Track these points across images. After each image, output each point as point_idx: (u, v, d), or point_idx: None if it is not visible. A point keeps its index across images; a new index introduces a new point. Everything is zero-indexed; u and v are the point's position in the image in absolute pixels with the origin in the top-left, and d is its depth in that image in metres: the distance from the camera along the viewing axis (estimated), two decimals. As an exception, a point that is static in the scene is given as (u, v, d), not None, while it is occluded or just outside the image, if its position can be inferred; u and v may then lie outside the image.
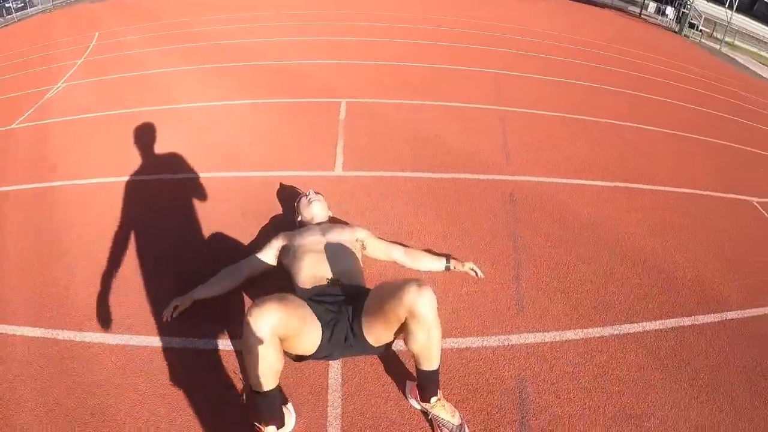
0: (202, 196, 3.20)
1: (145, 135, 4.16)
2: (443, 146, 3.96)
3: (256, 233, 2.87)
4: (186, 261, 2.66)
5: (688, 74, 8.85)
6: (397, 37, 8.13)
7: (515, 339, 2.28)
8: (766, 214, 3.72)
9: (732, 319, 2.60)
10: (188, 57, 6.89)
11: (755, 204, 3.84)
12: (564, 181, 3.63)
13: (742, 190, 4.02)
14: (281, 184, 3.35)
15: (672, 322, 2.54)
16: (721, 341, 2.44)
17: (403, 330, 1.71)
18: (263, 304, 1.50)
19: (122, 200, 3.23)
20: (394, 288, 1.62)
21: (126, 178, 3.49)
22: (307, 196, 2.59)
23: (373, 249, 2.43)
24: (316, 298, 1.89)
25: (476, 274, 2.48)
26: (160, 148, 3.97)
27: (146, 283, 2.50)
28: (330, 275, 2.02)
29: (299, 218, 2.58)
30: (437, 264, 2.47)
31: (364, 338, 1.78)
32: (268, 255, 2.34)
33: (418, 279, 1.64)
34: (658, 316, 2.56)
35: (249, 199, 3.18)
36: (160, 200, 3.25)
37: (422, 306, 1.56)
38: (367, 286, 2.10)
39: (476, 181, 3.46)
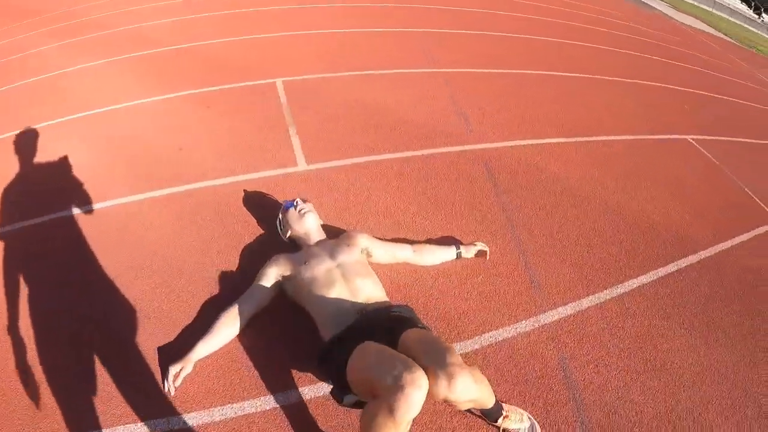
0: (147, 225, 2.65)
1: (48, 156, 3.46)
2: (399, 120, 3.77)
3: (237, 260, 2.49)
4: (158, 312, 2.21)
5: (608, 18, 9.46)
6: (307, 1, 7.59)
7: (544, 318, 2.39)
8: (702, 150, 4.21)
9: (707, 257, 2.96)
10: (82, 51, 5.80)
11: (691, 141, 4.32)
12: (529, 142, 3.74)
13: (676, 129, 4.49)
14: (245, 192, 2.95)
15: (661, 272, 2.83)
16: (703, 279, 2.82)
17: None
18: (411, 374, 1.29)
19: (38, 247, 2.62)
20: (428, 359, 1.44)
21: (36, 221, 2.82)
22: (294, 206, 2.32)
23: (378, 255, 2.28)
24: (350, 334, 1.76)
25: (486, 253, 2.51)
26: (71, 170, 3.25)
27: (117, 354, 2.02)
28: (356, 308, 1.87)
29: (289, 234, 2.31)
30: (448, 254, 2.44)
31: None
32: (270, 286, 2.06)
33: (451, 364, 1.41)
34: (648, 269, 2.84)
35: (210, 219, 2.72)
36: (91, 237, 2.64)
37: (457, 394, 1.40)
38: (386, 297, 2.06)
39: (445, 154, 3.41)
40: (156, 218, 2.71)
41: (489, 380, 1.70)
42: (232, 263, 2.43)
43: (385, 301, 1.98)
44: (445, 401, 1.41)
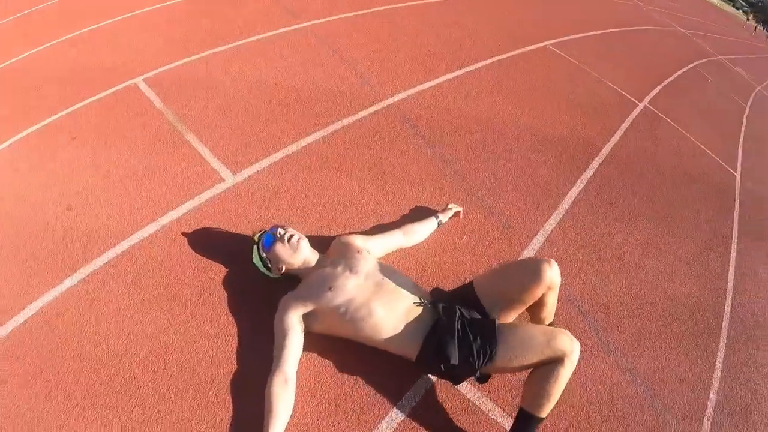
0: (88, 319, 2.03)
1: None
2: (298, 93, 3.41)
3: (222, 318, 2.11)
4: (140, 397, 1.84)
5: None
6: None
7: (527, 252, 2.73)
8: (558, 51, 4.89)
9: (609, 153, 3.61)
10: None
11: (549, 46, 4.97)
12: (429, 84, 3.85)
13: (533, 40, 5.08)
14: (184, 235, 2.40)
15: (586, 176, 3.37)
16: (615, 172, 3.51)
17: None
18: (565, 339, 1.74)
19: None
20: (525, 270, 1.87)
21: None
22: (278, 238, 2.03)
23: (376, 251, 2.22)
24: (445, 339, 1.80)
25: (460, 213, 2.67)
26: None
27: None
28: (407, 303, 1.90)
29: (283, 269, 2.05)
30: (430, 225, 2.51)
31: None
32: (298, 334, 1.86)
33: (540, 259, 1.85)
34: (575, 177, 3.38)
35: (164, 277, 2.20)
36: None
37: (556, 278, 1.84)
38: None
39: (363, 120, 3.28)
40: (95, 316, 2.04)
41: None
42: (221, 324, 2.10)
43: (422, 289, 2.07)
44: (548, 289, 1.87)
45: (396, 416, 1.90)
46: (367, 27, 4.41)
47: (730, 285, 3.42)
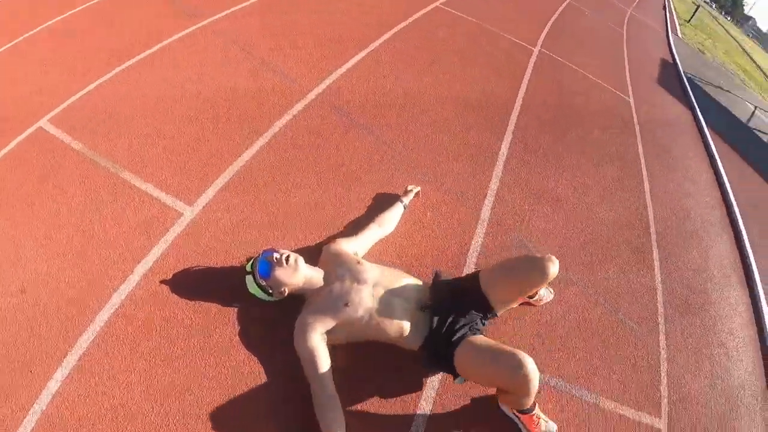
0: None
1: None
2: (219, 103, 3.19)
3: (240, 356, 2.04)
4: None
5: None
6: None
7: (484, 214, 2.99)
8: (449, 9, 5.20)
9: (519, 109, 3.97)
10: None
11: (440, 6, 5.24)
12: (346, 67, 3.81)
13: (425, 2, 5.32)
14: (164, 283, 2.20)
15: (510, 129, 3.71)
16: (534, 114, 3.80)
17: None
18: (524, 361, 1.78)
19: None
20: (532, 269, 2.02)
21: None
22: (275, 263, 2.00)
23: (362, 251, 2.35)
24: (436, 332, 2.00)
25: (419, 192, 2.84)
26: None
27: None
28: (416, 305, 2.05)
29: (286, 291, 2.05)
30: (398, 211, 2.62)
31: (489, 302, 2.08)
32: (324, 350, 1.93)
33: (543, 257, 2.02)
34: (501, 133, 3.68)
35: (164, 336, 2.02)
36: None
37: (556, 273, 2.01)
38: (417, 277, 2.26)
39: (296, 119, 3.18)
40: (103, 406, 1.81)
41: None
42: (244, 370, 1.99)
43: (424, 283, 2.21)
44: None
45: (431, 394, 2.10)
46: (266, 16, 4.29)
47: (648, 201, 4.00)
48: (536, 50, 5.37)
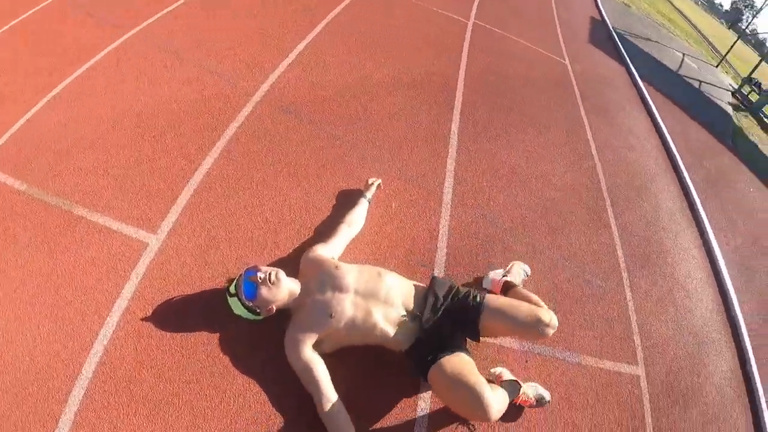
0: None
1: None
2: (162, 118, 2.97)
3: (236, 381, 1.95)
4: None
5: None
6: None
7: (446, 196, 3.05)
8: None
9: (463, 84, 4.06)
10: None
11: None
12: (286, 63, 3.63)
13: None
14: (145, 320, 2.07)
15: (458, 108, 3.80)
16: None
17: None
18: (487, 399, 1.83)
19: None
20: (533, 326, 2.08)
21: None
22: (260, 282, 1.97)
23: (338, 254, 2.36)
24: (420, 342, 2.04)
25: (381, 184, 2.84)
26: None
27: None
28: (400, 310, 2.07)
29: (274, 308, 2.03)
30: (363, 206, 2.60)
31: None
32: (318, 361, 1.94)
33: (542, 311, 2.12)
34: (450, 109, 3.76)
35: (155, 375, 1.91)
36: None
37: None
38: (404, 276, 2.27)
39: (245, 125, 3.05)
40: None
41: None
42: (245, 395, 1.90)
43: (414, 285, 2.22)
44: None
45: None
46: (194, 18, 4.07)
47: (596, 160, 4.21)
48: (470, 23, 5.47)
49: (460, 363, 1.96)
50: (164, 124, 2.87)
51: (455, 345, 2.05)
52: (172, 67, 3.29)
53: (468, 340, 2.19)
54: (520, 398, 2.16)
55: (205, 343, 2.03)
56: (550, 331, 2.08)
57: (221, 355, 2.02)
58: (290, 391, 1.95)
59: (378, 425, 2.02)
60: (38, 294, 2.02)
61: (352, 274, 2.08)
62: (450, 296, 2.18)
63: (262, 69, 3.52)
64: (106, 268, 2.16)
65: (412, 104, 3.72)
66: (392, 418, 2.05)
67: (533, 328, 2.07)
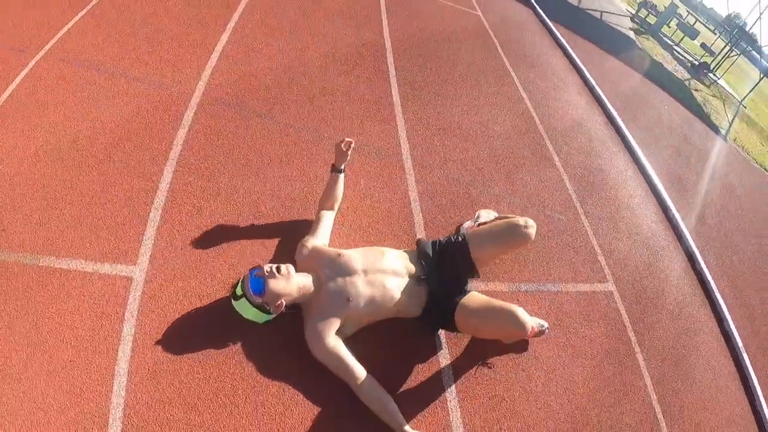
0: None
1: None
2: (105, 139, 2.65)
3: (270, 390, 1.86)
4: None
5: None
6: None
7: (407, 163, 3.17)
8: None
9: (392, 49, 4.17)
10: None
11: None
12: (215, 56, 3.40)
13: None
14: (162, 346, 1.93)
15: (393, 75, 3.90)
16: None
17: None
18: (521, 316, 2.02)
19: None
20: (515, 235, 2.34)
21: None
22: (266, 276, 1.94)
23: (328, 237, 2.38)
24: (434, 298, 2.18)
25: (350, 144, 2.53)
26: None
27: None
28: (406, 278, 2.17)
29: (283, 304, 1.99)
30: (339, 180, 2.49)
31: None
32: (343, 348, 1.98)
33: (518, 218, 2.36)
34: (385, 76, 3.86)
35: (183, 406, 1.75)
36: None
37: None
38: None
39: (193, 128, 2.89)
40: None
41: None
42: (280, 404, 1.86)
43: (405, 252, 2.32)
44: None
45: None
46: (104, 27, 3.69)
47: (528, 103, 4.50)
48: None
49: (478, 297, 2.18)
50: (106, 146, 2.63)
51: (463, 288, 2.24)
52: (96, 82, 3.00)
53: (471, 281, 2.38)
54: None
55: (226, 361, 1.97)
56: (532, 231, 2.33)
57: (246, 368, 1.98)
58: (324, 384, 1.99)
59: (409, 389, 2.13)
60: (32, 364, 1.81)
61: (356, 257, 2.13)
62: (438, 249, 2.34)
63: (192, 68, 3.33)
64: (95, 315, 1.96)
65: (350, 79, 3.75)
66: (420, 378, 2.17)
67: (516, 235, 2.33)
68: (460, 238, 2.37)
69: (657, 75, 7.28)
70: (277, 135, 3.04)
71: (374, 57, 4.11)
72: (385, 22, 4.76)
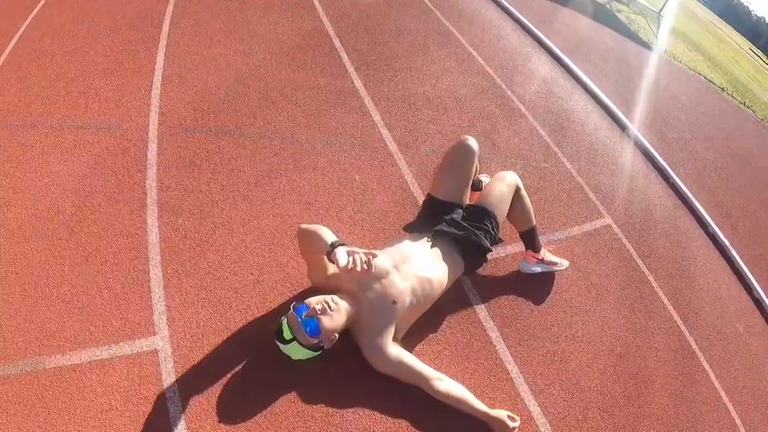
0: None
1: None
2: (61, 208, 2.32)
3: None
4: None
5: None
6: None
7: (390, 144, 3.18)
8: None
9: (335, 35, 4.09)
10: None
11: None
12: (156, 81, 3.25)
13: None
14: (213, 409, 1.80)
15: (351, 69, 3.85)
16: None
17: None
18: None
19: None
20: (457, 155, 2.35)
21: None
22: (319, 313, 1.81)
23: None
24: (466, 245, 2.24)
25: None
26: None
27: None
28: (433, 254, 2.17)
29: (336, 336, 1.89)
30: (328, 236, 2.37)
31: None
32: (404, 352, 1.97)
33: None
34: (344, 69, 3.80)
35: None
36: None
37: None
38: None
39: (162, 164, 2.61)
40: None
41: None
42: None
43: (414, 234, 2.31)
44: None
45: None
46: (26, 75, 3.13)
47: (480, 60, 4.56)
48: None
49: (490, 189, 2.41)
50: (73, 210, 2.36)
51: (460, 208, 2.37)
52: (37, 142, 2.69)
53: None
54: (551, 258, 2.61)
55: (290, 407, 1.88)
56: (472, 142, 2.35)
57: (315, 405, 1.90)
58: (394, 396, 1.97)
59: (470, 372, 2.17)
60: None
61: (382, 257, 2.02)
62: (429, 211, 2.40)
63: (137, 99, 3.04)
64: (133, 403, 1.76)
65: (306, 72, 3.63)
66: (476, 360, 2.23)
67: (461, 150, 2.36)
68: (427, 198, 2.45)
69: (581, 4, 7.52)
70: (253, 149, 2.91)
71: (321, 45, 4.01)
72: (317, 4, 4.64)
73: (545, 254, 2.60)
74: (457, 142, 2.34)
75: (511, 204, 2.38)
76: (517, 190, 2.41)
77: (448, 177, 2.35)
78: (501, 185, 2.38)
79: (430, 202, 2.37)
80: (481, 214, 2.28)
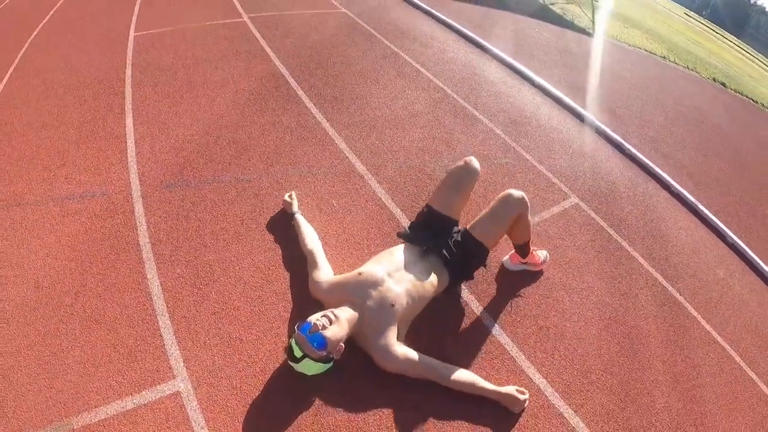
0: None
1: None
2: (60, 280, 2.48)
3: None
4: None
5: None
6: None
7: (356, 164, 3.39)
8: (145, 32, 5.10)
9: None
10: None
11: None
12: (131, 141, 3.56)
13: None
14: None
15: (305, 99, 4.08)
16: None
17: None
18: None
19: None
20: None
21: None
22: (320, 329, 1.98)
23: (329, 267, 2.51)
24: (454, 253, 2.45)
25: (290, 197, 2.95)
26: None
27: None
28: (421, 261, 2.39)
29: (343, 346, 2.06)
30: (299, 221, 2.76)
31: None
32: (413, 351, 2.14)
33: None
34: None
35: None
36: None
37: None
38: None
39: (152, 221, 2.73)
40: None
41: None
42: None
43: (402, 245, 2.53)
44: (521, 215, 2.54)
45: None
46: (1, 154, 3.43)
47: (428, 74, 4.85)
48: (246, 19, 5.61)
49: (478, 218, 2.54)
50: (74, 277, 2.51)
51: (455, 230, 2.58)
52: (24, 219, 2.84)
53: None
54: (536, 257, 2.79)
55: (317, 420, 2.04)
56: (473, 163, 2.65)
57: (337, 416, 2.06)
58: (414, 396, 2.13)
59: (474, 357, 2.38)
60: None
61: (375, 267, 2.28)
62: (421, 224, 2.62)
63: (115, 163, 3.20)
64: None
65: (269, 114, 3.82)
66: (477, 346, 2.43)
67: (464, 171, 2.63)
68: (425, 209, 2.64)
69: (514, 6, 7.98)
70: (235, 193, 3.09)
71: (278, 86, 4.24)
72: (267, 49, 4.89)
73: (530, 258, 2.79)
74: (462, 162, 2.62)
75: (512, 224, 2.54)
76: (520, 215, 2.51)
77: (448, 192, 2.60)
78: (504, 215, 2.49)
79: (428, 212, 2.60)
80: (475, 250, 2.47)
